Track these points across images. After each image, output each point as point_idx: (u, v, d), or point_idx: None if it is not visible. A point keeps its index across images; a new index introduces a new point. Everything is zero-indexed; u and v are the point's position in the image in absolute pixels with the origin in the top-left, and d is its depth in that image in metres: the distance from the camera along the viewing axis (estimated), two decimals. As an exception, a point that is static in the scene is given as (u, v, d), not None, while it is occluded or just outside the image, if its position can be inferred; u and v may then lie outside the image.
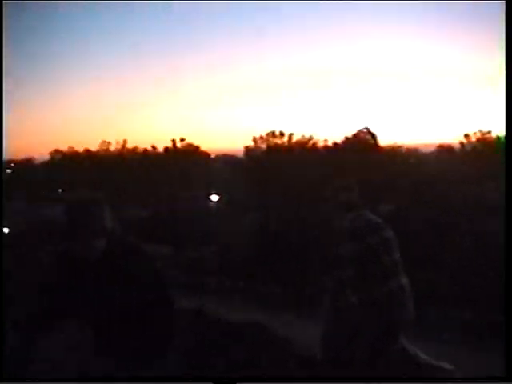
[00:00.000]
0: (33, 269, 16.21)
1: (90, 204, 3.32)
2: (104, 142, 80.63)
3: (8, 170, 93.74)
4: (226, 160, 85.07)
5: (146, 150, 79.53)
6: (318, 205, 38.41)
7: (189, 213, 46.69)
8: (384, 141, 63.23)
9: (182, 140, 76.54)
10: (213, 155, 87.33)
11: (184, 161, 71.27)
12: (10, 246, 29.44)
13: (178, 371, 3.59)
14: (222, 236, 36.67)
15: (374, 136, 60.37)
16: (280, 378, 3.78)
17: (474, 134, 66.34)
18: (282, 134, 66.58)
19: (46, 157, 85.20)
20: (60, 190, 69.47)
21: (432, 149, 76.99)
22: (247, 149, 68.65)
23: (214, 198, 55.11)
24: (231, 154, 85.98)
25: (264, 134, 67.10)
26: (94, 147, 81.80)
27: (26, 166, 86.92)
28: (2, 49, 7.15)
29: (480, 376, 4.77)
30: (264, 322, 8.20)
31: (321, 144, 67.42)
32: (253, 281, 25.62)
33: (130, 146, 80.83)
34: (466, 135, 66.76)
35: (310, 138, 67.00)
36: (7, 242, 33.66)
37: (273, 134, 66.69)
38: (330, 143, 66.01)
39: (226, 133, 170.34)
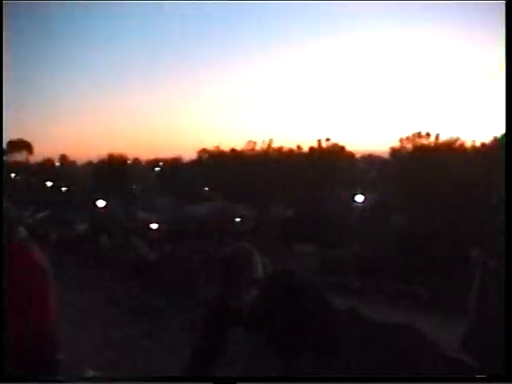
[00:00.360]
0: (180, 264, 16.66)
1: (242, 257, 3.37)
2: (250, 141, 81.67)
3: (156, 169, 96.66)
4: (371, 160, 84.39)
5: (291, 150, 79.92)
6: (466, 205, 37.58)
7: (333, 213, 46.59)
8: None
9: (328, 140, 76.59)
10: (358, 155, 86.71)
11: (329, 161, 71.20)
12: (159, 241, 30.28)
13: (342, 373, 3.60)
14: (367, 236, 36.42)
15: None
16: (280, 378, 3.72)
17: None
18: (428, 135, 65.52)
19: (194, 156, 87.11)
20: (206, 189, 70.83)
21: None
22: (393, 149, 67.93)
23: (359, 198, 54.60)
24: (376, 154, 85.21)
25: (410, 135, 66.27)
26: (239, 147, 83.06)
27: (174, 165, 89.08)
28: (2, 49, 7.28)
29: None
30: (407, 322, 8.08)
31: (468, 144, 65.91)
32: (397, 281, 25.31)
33: (275, 145, 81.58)
34: None
35: (457, 139, 65.63)
36: (155, 237, 34.63)
37: (419, 134, 65.73)
38: (477, 144, 64.46)
39: (370, 133, 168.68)
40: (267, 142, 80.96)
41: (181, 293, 12.68)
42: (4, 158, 76.40)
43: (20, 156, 78.46)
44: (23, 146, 78.49)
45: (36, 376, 3.66)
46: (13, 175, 74.46)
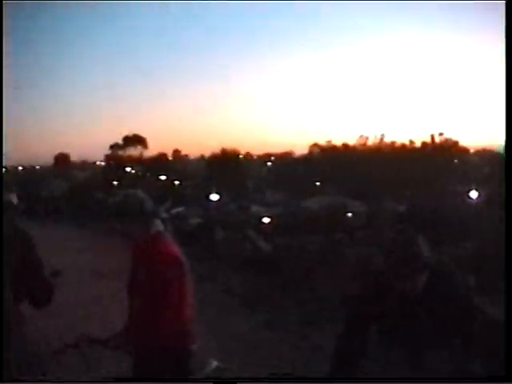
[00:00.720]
0: (295, 258, 16.78)
1: (412, 240, 3.33)
2: (362, 136, 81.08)
3: (268, 163, 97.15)
4: (485, 155, 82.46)
5: (403, 145, 78.82)
6: None
7: (447, 209, 45.75)
8: None
9: (441, 135, 75.17)
10: (471, 150, 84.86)
11: (442, 156, 69.87)
12: (272, 234, 30.46)
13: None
14: (481, 233, 35.66)
15: None
16: (280, 379, 3.71)
17: None
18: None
19: (305, 151, 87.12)
20: (318, 183, 70.67)
21: None
22: (508, 144, 66.20)
23: (473, 194, 53.38)
24: (490, 148, 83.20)
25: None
26: (351, 142, 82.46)
27: (285, 159, 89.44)
28: (2, 48, 7.38)
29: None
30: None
31: None
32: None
33: (387, 140, 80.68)
34: None
35: None
36: (267, 231, 34.81)
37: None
38: None
39: (484, 128, 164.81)
40: (379, 136, 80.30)
41: (296, 286, 12.81)
42: (120, 152, 78.76)
43: (135, 150, 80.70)
44: (138, 141, 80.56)
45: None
46: (128, 169, 76.30)
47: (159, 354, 3.84)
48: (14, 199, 3.88)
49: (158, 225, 4.04)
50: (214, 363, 4.20)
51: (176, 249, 3.97)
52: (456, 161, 72.63)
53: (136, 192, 4.09)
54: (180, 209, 42.50)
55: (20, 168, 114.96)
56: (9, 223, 3.78)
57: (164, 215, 4.18)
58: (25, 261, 3.81)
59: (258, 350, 8.44)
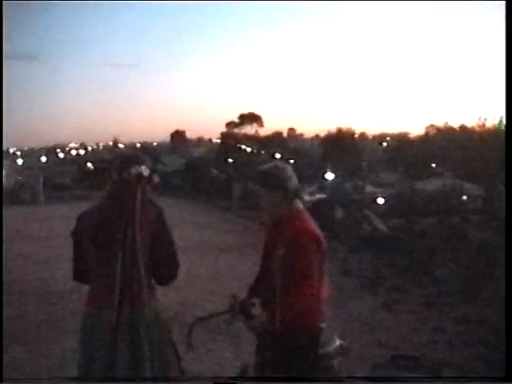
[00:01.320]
0: (413, 239, 16.54)
1: None
2: (480, 118, 79.35)
3: (384, 144, 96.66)
4: None
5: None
6: None
7: None
8: None
9: None
10: None
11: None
12: (387, 215, 30.18)
13: None
14: None
15: None
16: (280, 378, 3.55)
17: None
18: None
19: (421, 131, 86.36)
20: (433, 165, 69.70)
21: None
22: None
23: None
24: None
25: None
26: (469, 124, 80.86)
27: (400, 140, 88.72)
28: (1, 48, 7.24)
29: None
30: None
31: None
32: None
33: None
34: None
35: None
36: (382, 211, 34.54)
37: None
38: None
39: None
40: (498, 118, 78.34)
41: (416, 268, 12.62)
42: (236, 130, 79.71)
43: (250, 128, 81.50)
44: (254, 118, 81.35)
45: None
46: (243, 147, 77.02)
47: (294, 331, 3.80)
48: (145, 171, 3.83)
49: (299, 202, 4.00)
50: (338, 341, 4.19)
51: (316, 227, 3.93)
52: None
53: (286, 166, 4.03)
54: (323, 195, 42.67)
55: (138, 145, 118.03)
56: (142, 196, 3.73)
57: (306, 198, 4.14)
58: (157, 235, 3.78)
59: (378, 331, 8.37)
